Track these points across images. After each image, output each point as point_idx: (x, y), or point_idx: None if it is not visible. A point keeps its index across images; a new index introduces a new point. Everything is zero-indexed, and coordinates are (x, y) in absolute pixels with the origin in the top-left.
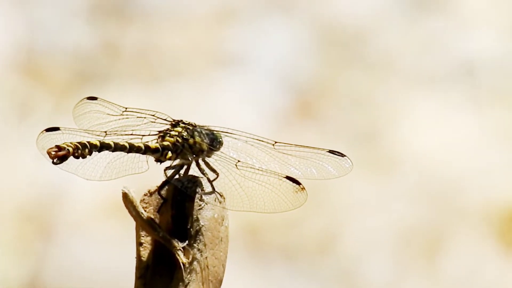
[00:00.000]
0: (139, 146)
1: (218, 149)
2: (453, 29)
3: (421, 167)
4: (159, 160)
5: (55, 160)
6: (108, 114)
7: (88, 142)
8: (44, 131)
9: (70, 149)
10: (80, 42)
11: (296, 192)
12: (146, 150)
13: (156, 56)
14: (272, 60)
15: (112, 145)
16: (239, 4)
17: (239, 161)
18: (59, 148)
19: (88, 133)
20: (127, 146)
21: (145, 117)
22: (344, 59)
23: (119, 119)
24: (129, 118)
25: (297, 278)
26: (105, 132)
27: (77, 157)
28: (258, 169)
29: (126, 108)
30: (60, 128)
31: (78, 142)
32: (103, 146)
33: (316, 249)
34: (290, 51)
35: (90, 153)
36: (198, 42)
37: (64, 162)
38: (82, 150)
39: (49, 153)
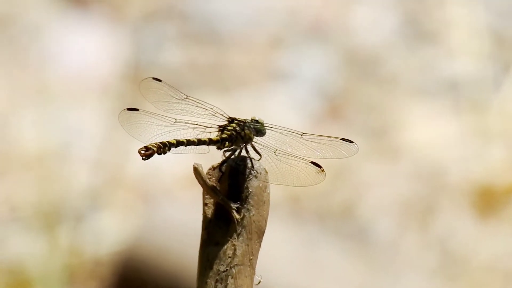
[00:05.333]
0: (205, 140)
1: (262, 136)
2: (441, 56)
3: (416, 155)
4: (219, 148)
5: (143, 158)
6: (171, 95)
7: (168, 141)
8: (126, 109)
9: (155, 149)
10: (171, 60)
11: (318, 173)
12: (210, 142)
13: (226, 72)
14: (310, 76)
15: (185, 142)
16: (287, 34)
17: (277, 149)
18: (147, 148)
19: (161, 117)
20: (196, 141)
21: (206, 109)
22: (362, 75)
23: (181, 104)
24: (191, 105)
25: (325, 234)
26: (175, 119)
27: (159, 154)
28: (290, 155)
29: (187, 96)
30: (139, 110)
31: (160, 142)
32: (179, 143)
33: (340, 213)
34: (323, 69)
35: (169, 150)
36: (255, 61)
37: (150, 158)
38: (163, 148)
39: (139, 152)
